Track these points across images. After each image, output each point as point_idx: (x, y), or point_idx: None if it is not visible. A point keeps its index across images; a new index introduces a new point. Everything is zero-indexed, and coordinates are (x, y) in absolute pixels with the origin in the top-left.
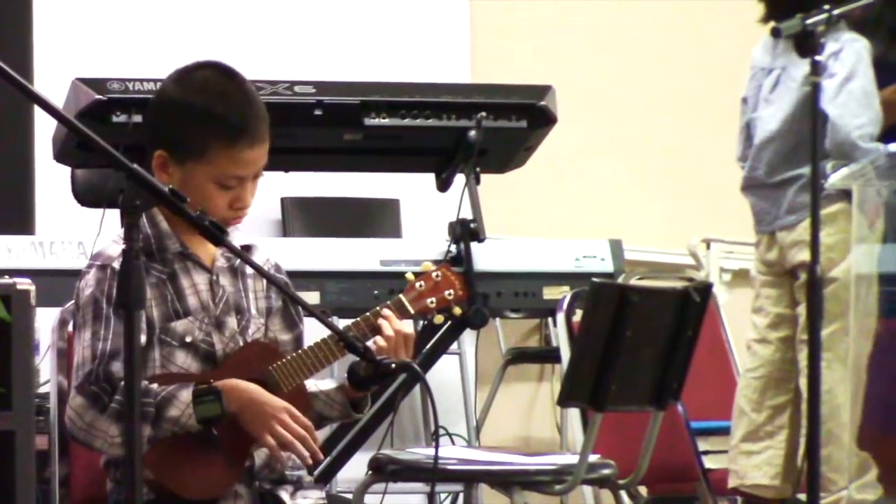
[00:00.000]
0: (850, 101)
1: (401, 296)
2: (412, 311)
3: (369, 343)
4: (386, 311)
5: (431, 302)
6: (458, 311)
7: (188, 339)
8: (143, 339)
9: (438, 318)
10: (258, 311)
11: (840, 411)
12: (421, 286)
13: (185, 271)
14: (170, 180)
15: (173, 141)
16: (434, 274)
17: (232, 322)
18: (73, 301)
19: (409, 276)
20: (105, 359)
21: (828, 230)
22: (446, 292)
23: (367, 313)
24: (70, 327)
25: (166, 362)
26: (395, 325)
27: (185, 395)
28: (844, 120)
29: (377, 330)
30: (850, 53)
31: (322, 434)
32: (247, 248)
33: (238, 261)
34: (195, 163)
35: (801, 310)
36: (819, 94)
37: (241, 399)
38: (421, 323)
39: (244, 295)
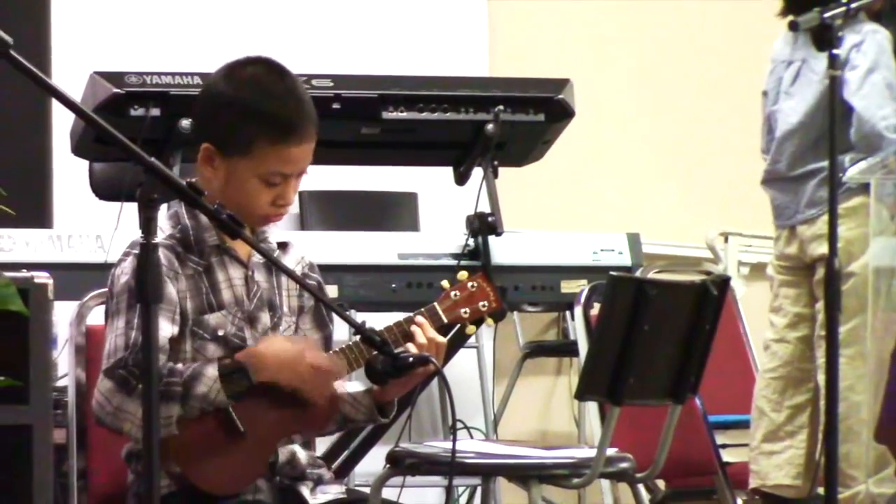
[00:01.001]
0: (874, 93)
1: (435, 304)
2: (445, 321)
3: (398, 350)
4: (419, 319)
5: (465, 312)
6: (490, 322)
7: (220, 333)
8: (175, 330)
9: (471, 329)
10: (290, 309)
11: (860, 408)
12: (455, 295)
13: (221, 265)
14: (215, 174)
15: (220, 135)
16: (470, 284)
17: (265, 318)
18: (92, 294)
19: (445, 283)
20: (138, 348)
21: (848, 224)
22: (480, 304)
23: (401, 319)
24: (89, 321)
25: (197, 355)
26: (429, 333)
27: (212, 370)
28: (870, 111)
29: (410, 336)
30: (871, 45)
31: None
32: (283, 246)
33: (274, 255)
34: (241, 158)
35: (820, 306)
36: (839, 87)
37: (268, 366)
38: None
39: (278, 292)
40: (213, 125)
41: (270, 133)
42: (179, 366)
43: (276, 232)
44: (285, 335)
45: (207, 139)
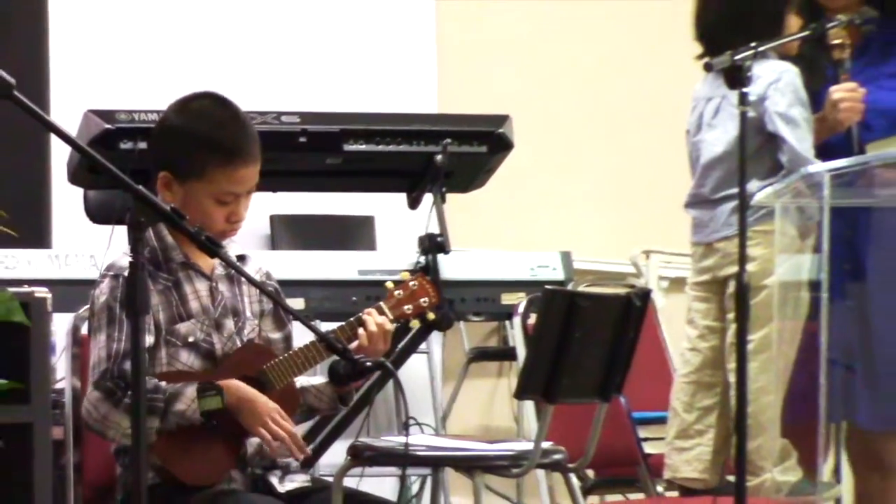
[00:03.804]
0: (796, 128)
1: (381, 303)
2: (391, 317)
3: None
4: (369, 310)
5: (408, 308)
6: (431, 316)
7: (191, 340)
8: (151, 339)
9: (414, 323)
10: (252, 313)
11: (769, 407)
12: (399, 294)
13: (187, 279)
14: (173, 198)
15: (176, 163)
16: (411, 283)
17: (230, 324)
18: (87, 307)
19: (389, 284)
20: (119, 358)
21: (765, 244)
22: (422, 300)
23: (351, 319)
24: (84, 331)
25: (172, 360)
26: (377, 320)
27: (191, 391)
28: (797, 142)
29: (363, 325)
30: (787, 83)
31: (307, 424)
32: (240, 259)
33: (241, 267)
34: (196, 182)
35: (731, 318)
36: (761, 118)
37: (240, 397)
38: (394, 326)
39: (240, 299)
40: (169, 155)
41: (220, 157)
42: (163, 384)
43: (234, 247)
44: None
45: (164, 168)
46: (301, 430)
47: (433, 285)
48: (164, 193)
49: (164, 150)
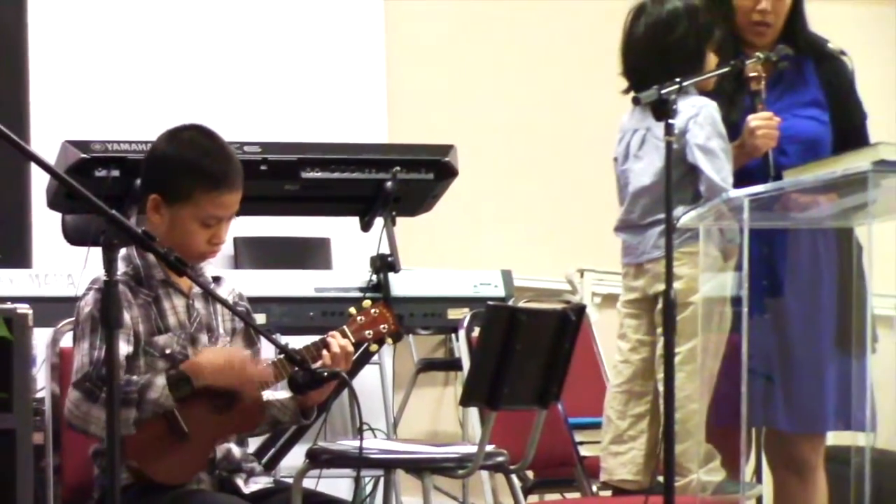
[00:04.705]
0: (714, 158)
1: (344, 327)
2: (353, 341)
3: (316, 363)
4: (333, 333)
5: (369, 334)
6: (390, 341)
7: (168, 351)
8: (131, 349)
9: (374, 347)
10: (225, 330)
11: (695, 414)
12: (361, 320)
13: (167, 295)
14: (161, 220)
15: (165, 187)
16: (373, 310)
17: (204, 338)
18: (65, 321)
19: (352, 310)
20: (100, 364)
21: (690, 264)
22: (381, 326)
23: (317, 340)
24: (62, 344)
25: (149, 369)
26: (340, 342)
27: (161, 380)
28: (714, 174)
29: (327, 346)
30: (706, 116)
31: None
32: (216, 279)
33: (210, 287)
34: (183, 205)
35: (661, 332)
36: (683, 149)
37: (205, 372)
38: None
39: (214, 317)
40: (159, 180)
41: (206, 184)
42: (134, 377)
43: (210, 269)
44: (218, 346)
45: (154, 191)
46: (263, 438)
47: (393, 313)
48: (152, 216)
49: (154, 175)
